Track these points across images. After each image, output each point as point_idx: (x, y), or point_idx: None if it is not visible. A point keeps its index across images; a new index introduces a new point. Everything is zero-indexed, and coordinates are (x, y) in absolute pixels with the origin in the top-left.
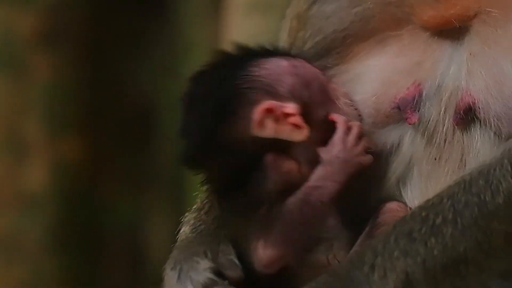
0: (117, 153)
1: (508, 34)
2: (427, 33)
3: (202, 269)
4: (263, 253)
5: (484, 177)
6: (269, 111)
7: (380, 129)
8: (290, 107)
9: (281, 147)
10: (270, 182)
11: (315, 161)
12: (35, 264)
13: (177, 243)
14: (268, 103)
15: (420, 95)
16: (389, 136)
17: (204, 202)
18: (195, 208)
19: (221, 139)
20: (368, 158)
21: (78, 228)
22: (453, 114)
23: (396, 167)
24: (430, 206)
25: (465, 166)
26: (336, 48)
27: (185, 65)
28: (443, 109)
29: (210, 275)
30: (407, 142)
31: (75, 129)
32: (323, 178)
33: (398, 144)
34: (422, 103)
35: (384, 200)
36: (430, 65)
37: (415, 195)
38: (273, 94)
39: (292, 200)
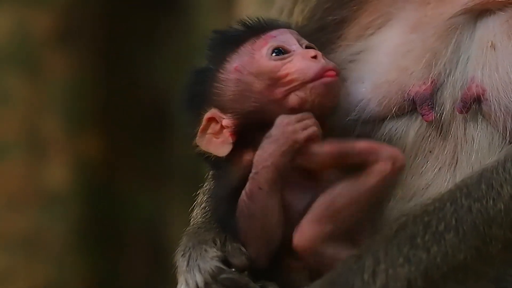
0: (135, 148)
1: None
2: (450, 11)
3: (210, 258)
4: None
5: (486, 181)
6: (211, 120)
7: (387, 119)
8: (226, 120)
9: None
10: (233, 177)
11: None
12: (58, 260)
13: (188, 228)
14: (211, 113)
15: (437, 90)
16: (394, 127)
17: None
18: (207, 189)
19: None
20: (305, 134)
21: (99, 224)
22: (459, 104)
23: None
24: (432, 211)
25: (456, 162)
26: (339, 20)
27: (200, 58)
28: (451, 100)
29: (217, 264)
30: (411, 134)
31: (93, 126)
32: (257, 163)
33: (401, 136)
34: (438, 100)
35: None
36: (447, 54)
37: (401, 192)
38: (218, 103)
39: (241, 195)
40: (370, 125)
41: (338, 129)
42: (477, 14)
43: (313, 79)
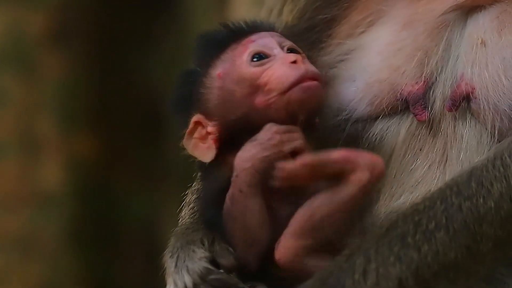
0: (130, 148)
1: None
2: (441, 8)
3: (198, 258)
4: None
5: (476, 179)
6: (198, 124)
7: (378, 118)
8: (211, 126)
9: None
10: (219, 180)
11: None
12: (52, 261)
13: (176, 228)
14: (197, 117)
15: (429, 89)
16: (385, 126)
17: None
18: (195, 189)
19: None
20: (291, 145)
21: (94, 224)
22: (448, 102)
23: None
24: (423, 210)
25: (446, 160)
26: (329, 19)
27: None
28: (442, 99)
29: (206, 264)
30: (402, 133)
31: (88, 125)
32: (238, 165)
33: (392, 135)
34: (430, 98)
35: None
36: (439, 52)
37: (390, 189)
38: (203, 108)
39: (225, 202)
40: (361, 125)
41: (329, 129)
42: (468, 10)
43: (290, 87)
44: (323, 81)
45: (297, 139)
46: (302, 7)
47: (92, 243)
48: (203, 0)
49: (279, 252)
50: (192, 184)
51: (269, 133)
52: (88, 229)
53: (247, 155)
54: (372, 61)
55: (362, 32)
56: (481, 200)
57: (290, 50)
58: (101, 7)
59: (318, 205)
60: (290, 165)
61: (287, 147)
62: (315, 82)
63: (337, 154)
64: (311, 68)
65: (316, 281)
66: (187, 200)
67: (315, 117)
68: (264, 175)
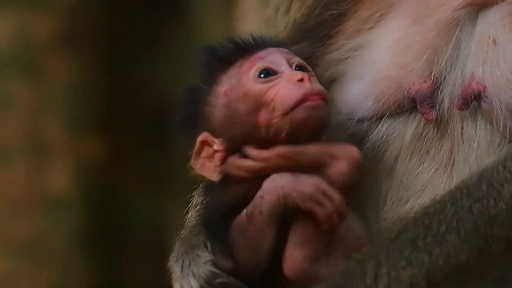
0: (137, 152)
1: None
2: (453, 3)
3: (203, 262)
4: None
5: (486, 180)
6: (204, 143)
7: (385, 117)
8: (217, 144)
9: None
10: (227, 195)
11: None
12: (62, 265)
13: (181, 232)
14: (203, 136)
15: (438, 88)
16: (392, 126)
17: None
18: (201, 191)
19: None
20: (323, 210)
21: (103, 228)
22: (458, 100)
23: (386, 160)
24: (433, 213)
25: (453, 163)
26: (338, 15)
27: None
28: (450, 98)
29: (211, 268)
30: (409, 134)
31: (96, 130)
32: (265, 189)
33: (398, 136)
34: (438, 98)
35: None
36: (448, 51)
37: (397, 193)
38: (209, 126)
39: (242, 213)
40: (367, 123)
41: (333, 126)
42: (479, 7)
43: (293, 108)
44: (328, 99)
45: (332, 203)
46: (311, 4)
47: (100, 246)
48: (211, 4)
49: (287, 265)
50: (198, 186)
51: (314, 184)
52: (96, 233)
53: (281, 183)
54: (381, 57)
55: (371, 27)
56: (492, 202)
57: (299, 68)
58: (109, 12)
59: None
60: (265, 153)
61: (320, 210)
62: (319, 101)
63: (312, 147)
64: (317, 86)
65: (327, 286)
66: (193, 203)
67: (320, 134)
68: (285, 209)
